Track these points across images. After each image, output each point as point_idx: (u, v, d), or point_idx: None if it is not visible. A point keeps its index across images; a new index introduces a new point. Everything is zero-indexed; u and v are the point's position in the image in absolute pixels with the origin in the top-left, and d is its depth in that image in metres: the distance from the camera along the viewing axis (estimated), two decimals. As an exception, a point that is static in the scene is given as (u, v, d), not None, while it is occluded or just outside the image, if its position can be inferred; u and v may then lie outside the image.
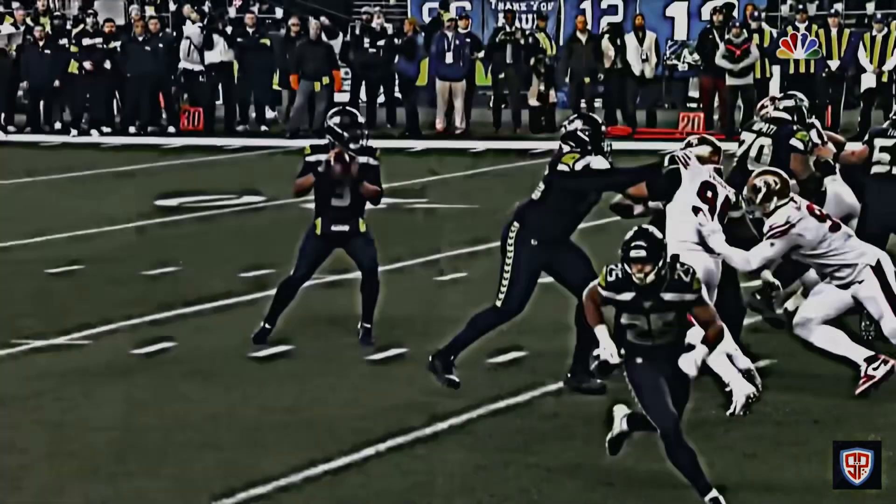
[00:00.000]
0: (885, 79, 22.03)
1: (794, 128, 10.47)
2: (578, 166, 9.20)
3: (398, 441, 8.46)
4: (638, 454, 8.05)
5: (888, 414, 8.91)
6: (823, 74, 21.98)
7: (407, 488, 7.70)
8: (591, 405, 9.02)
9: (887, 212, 10.62)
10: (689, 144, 9.60)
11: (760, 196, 8.92)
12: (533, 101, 23.62)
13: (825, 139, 10.94)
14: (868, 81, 22.12)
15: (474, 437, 8.59)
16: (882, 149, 10.67)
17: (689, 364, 7.17)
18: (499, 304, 9.29)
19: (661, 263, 7.08)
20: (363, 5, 26.20)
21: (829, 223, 9.01)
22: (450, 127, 23.75)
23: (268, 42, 24.24)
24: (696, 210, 9.08)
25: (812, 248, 8.95)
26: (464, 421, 8.85)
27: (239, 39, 24.09)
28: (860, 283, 9.01)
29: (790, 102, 10.71)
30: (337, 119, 10.52)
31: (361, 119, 10.65)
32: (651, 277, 7.06)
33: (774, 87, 23.17)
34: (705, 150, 9.43)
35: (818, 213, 9.04)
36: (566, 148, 9.29)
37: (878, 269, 8.95)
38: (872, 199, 10.70)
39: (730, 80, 22.54)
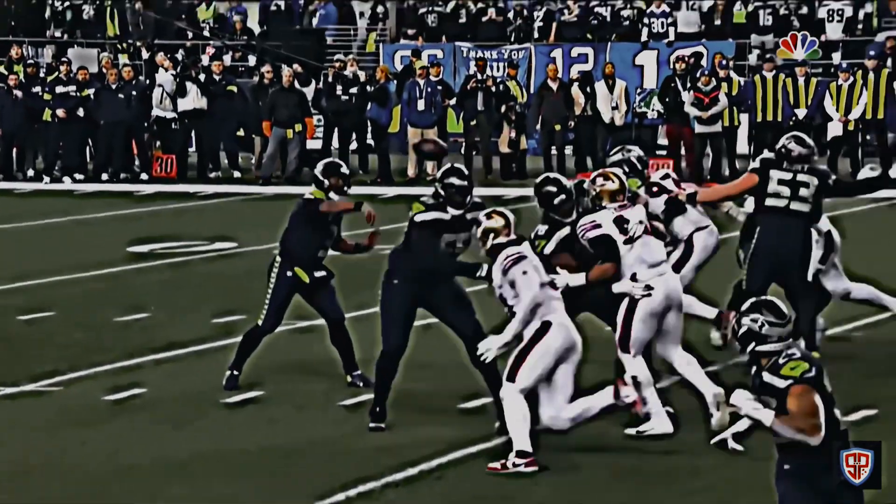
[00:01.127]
0: (850, 127, 22.19)
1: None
2: (418, 218, 9.39)
3: (369, 486, 8.42)
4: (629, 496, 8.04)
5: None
6: (791, 122, 22.12)
7: (377, 533, 7.67)
8: (561, 447, 9.01)
9: (779, 245, 10.47)
10: (601, 175, 9.70)
11: (479, 231, 9.06)
12: (504, 148, 23.70)
13: (680, 184, 10.99)
14: (834, 130, 22.29)
15: (445, 483, 8.56)
16: (780, 181, 10.51)
17: None
18: (383, 347, 9.46)
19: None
20: (336, 53, 26.27)
21: (545, 279, 8.89)
22: (422, 173, 23.80)
23: (235, 89, 24.30)
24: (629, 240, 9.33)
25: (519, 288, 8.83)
26: (434, 466, 8.82)
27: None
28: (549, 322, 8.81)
29: (617, 157, 10.72)
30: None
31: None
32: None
33: (742, 135, 23.32)
34: (612, 186, 9.55)
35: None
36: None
37: (544, 329, 8.69)
38: (767, 233, 10.51)
39: (698, 128, 22.68)
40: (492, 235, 8.96)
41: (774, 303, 6.33)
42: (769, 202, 10.50)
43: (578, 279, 9.26)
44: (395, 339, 9.43)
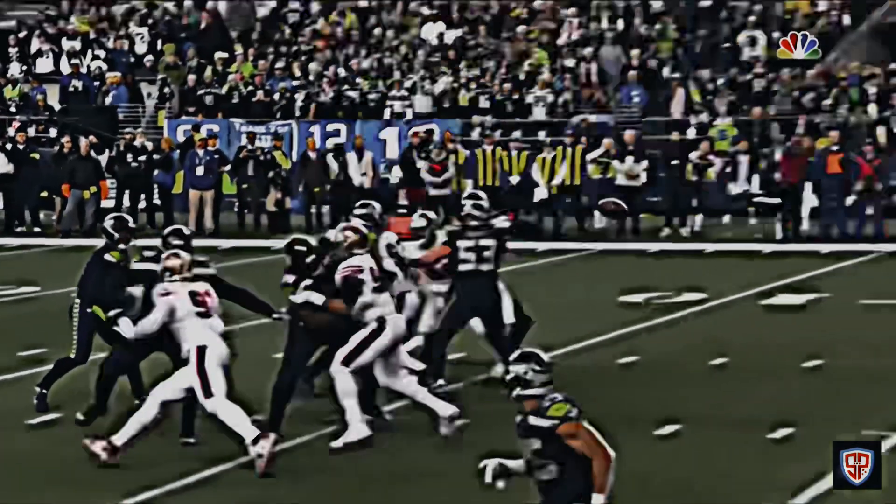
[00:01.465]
0: (554, 191, 22.99)
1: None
2: (132, 266, 9.98)
3: (153, 493, 8.35)
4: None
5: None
6: (506, 188, 22.81)
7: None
8: (314, 451, 9.07)
9: (476, 299, 10.78)
10: (348, 229, 9.82)
11: (161, 268, 9.23)
12: (271, 207, 23.74)
13: (403, 248, 11.04)
14: (540, 193, 23.07)
15: (218, 489, 8.53)
16: (467, 249, 10.83)
17: None
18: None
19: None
20: (126, 126, 25.94)
21: (198, 309, 9.07)
22: (201, 228, 23.62)
23: (38, 156, 23.86)
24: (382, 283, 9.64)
25: (177, 318, 9.05)
26: (207, 476, 8.75)
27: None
28: (186, 361, 9.00)
29: (364, 211, 10.79)
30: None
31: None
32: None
33: (468, 197, 23.80)
34: (356, 238, 9.64)
35: (200, 298, 9.13)
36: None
37: (201, 351, 8.93)
38: (464, 291, 10.81)
39: (432, 191, 23.13)
40: (168, 273, 9.14)
41: (538, 354, 6.15)
42: (461, 267, 10.83)
43: (319, 299, 9.40)
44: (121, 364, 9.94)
